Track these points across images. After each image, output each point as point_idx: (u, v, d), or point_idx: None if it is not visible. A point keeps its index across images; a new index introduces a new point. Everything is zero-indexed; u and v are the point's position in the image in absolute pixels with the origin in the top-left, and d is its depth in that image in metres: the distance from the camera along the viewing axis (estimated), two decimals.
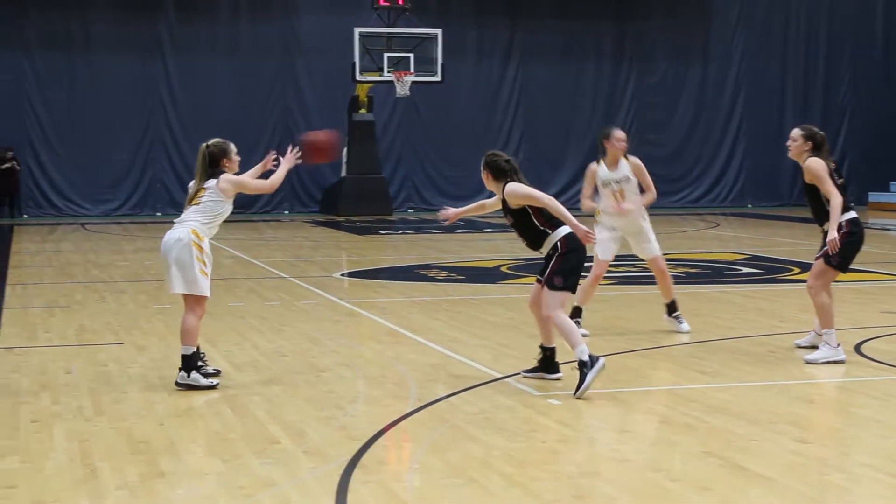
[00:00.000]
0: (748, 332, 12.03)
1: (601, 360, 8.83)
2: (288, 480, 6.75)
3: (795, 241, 23.67)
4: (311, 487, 6.62)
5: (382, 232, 26.44)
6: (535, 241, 9.16)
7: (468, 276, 17.37)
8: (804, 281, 16.50)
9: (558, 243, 9.00)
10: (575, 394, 8.75)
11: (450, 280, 16.83)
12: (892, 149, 35.20)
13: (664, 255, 12.33)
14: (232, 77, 32.51)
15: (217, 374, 9.66)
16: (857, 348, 10.89)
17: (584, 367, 8.77)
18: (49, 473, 6.89)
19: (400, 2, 31.80)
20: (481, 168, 9.33)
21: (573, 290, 9.23)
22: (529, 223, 9.11)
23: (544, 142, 34.47)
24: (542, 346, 9.37)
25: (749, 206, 35.47)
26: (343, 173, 31.72)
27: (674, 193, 35.56)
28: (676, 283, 16.10)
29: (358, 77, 30.70)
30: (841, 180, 10.20)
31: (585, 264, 9.26)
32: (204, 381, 9.24)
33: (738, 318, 13.02)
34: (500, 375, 9.73)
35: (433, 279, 16.93)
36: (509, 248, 21.77)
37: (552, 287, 8.99)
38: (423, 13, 32.61)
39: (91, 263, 19.46)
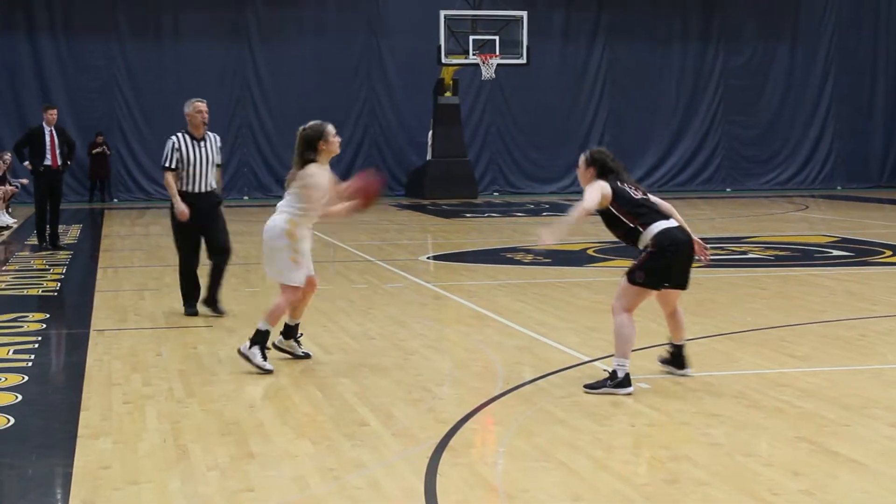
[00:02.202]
0: (839, 315, 11.87)
1: (630, 389, 8.41)
2: (377, 462, 6.77)
3: (887, 224, 23.32)
4: (400, 469, 6.64)
5: (468, 215, 26.44)
6: (627, 235, 8.70)
7: (555, 259, 17.31)
8: (894, 264, 16.37)
9: (650, 241, 8.55)
10: (586, 385, 8.55)
11: (536, 263, 16.79)
12: None
13: (754, 237, 12.18)
14: (317, 60, 32.65)
15: (307, 357, 9.74)
16: None
17: (612, 378, 8.48)
18: (142, 454, 6.98)
19: None
20: (583, 162, 8.83)
21: (654, 288, 8.65)
22: (617, 221, 8.67)
23: (630, 124, 34.25)
24: (671, 343, 9.06)
25: (839, 187, 35.02)
26: (428, 156, 31.75)
27: (762, 175, 35.18)
28: (767, 265, 15.93)
29: (443, 60, 30.68)
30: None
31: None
32: (258, 360, 9.27)
33: (828, 302, 12.86)
34: (588, 359, 9.70)
35: (519, 262, 16.90)
36: (595, 231, 21.68)
37: (631, 280, 8.58)
38: None
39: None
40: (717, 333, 10.81)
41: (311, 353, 9.86)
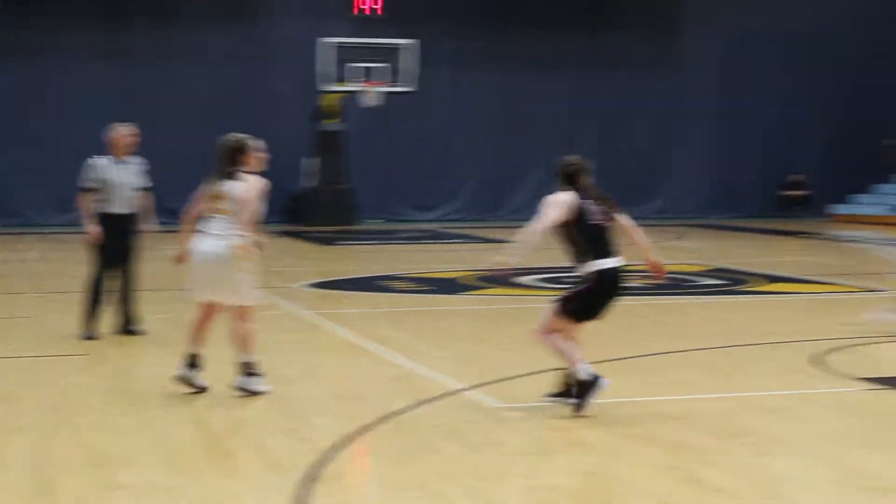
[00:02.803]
0: (711, 343, 12.07)
1: (606, 381, 8.57)
2: (248, 493, 6.73)
3: (758, 253, 23.78)
4: (272, 501, 6.60)
5: (347, 242, 26.40)
6: (572, 256, 8.76)
7: (433, 287, 17.36)
8: (766, 292, 16.69)
9: (589, 276, 8.64)
10: (574, 408, 8.61)
11: (414, 291, 16.81)
12: (852, 161, 35.35)
13: (630, 265, 12.30)
14: (202, 84, 32.34)
15: (204, 390, 9.48)
16: (815, 360, 10.95)
17: (581, 385, 8.56)
18: (5, 486, 6.84)
19: (371, 11, 32.05)
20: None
21: (577, 321, 8.81)
22: (568, 240, 8.72)
23: (514, 151, 34.47)
24: (566, 370, 8.96)
25: (713, 217, 35.59)
26: (309, 183, 31.66)
27: (641, 203, 35.60)
28: (643, 294, 16.14)
29: (328, 86, 30.66)
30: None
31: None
32: (257, 387, 9.31)
33: (701, 330, 13.07)
34: (464, 387, 9.73)
35: (397, 290, 16.91)
36: (473, 259, 21.78)
37: (560, 309, 8.71)
38: (398, 23, 32.58)
39: (55, 274, 19.36)
40: (593, 362, 10.87)
41: (208, 386, 9.55)
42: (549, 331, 8.80)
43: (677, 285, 17.34)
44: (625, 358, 11.19)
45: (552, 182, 8.90)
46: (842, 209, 33.77)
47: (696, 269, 19.78)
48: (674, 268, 19.95)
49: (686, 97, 35.82)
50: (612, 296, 8.81)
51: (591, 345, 11.75)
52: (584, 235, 8.69)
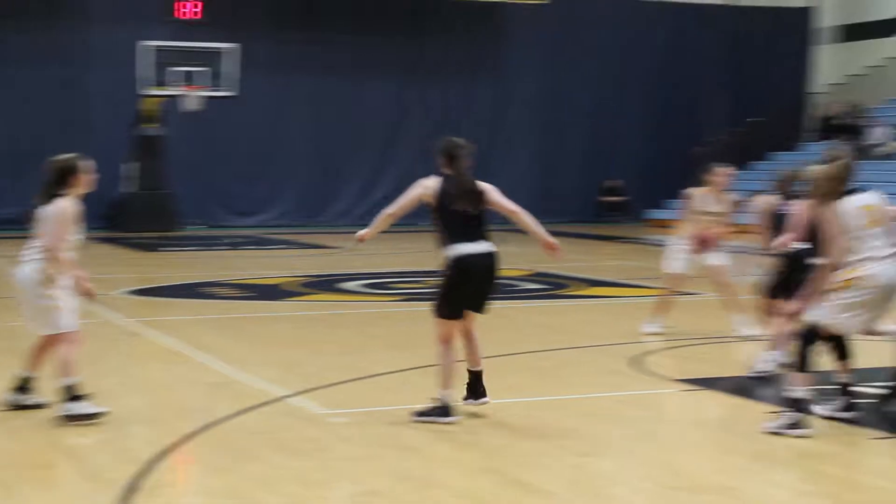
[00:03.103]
0: (530, 347, 12.22)
1: (452, 419, 8.52)
2: None
3: (578, 258, 24.17)
4: None
5: (169, 248, 26.03)
6: (438, 246, 8.75)
7: (255, 293, 17.22)
8: (586, 296, 17.00)
9: (447, 263, 8.64)
10: (415, 413, 8.65)
11: (236, 297, 16.64)
12: (668, 167, 36.17)
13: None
14: (16, 88, 31.53)
15: (40, 407, 9.13)
16: (634, 362, 11.18)
17: (437, 410, 8.58)
18: None
19: (191, 15, 31.70)
20: None
21: (450, 318, 8.73)
22: (435, 225, 8.77)
23: (338, 157, 34.42)
24: (468, 370, 8.98)
25: (539, 222, 36.08)
26: (129, 188, 31.13)
27: None
28: None
29: (146, 91, 30.23)
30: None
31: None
32: (85, 410, 8.63)
33: (520, 334, 13.21)
34: (287, 393, 9.68)
35: (220, 297, 16.73)
36: (290, 265, 21.70)
37: (434, 314, 8.73)
38: (218, 27, 32.23)
39: None
40: (415, 367, 10.94)
41: (44, 402, 9.12)
42: (443, 339, 8.78)
43: (498, 289, 17.51)
44: None
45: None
46: (657, 214, 34.51)
47: (517, 273, 19.99)
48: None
49: (508, 103, 36.21)
50: (476, 282, 8.72)
51: (414, 347, 11.84)
52: (444, 222, 8.71)
